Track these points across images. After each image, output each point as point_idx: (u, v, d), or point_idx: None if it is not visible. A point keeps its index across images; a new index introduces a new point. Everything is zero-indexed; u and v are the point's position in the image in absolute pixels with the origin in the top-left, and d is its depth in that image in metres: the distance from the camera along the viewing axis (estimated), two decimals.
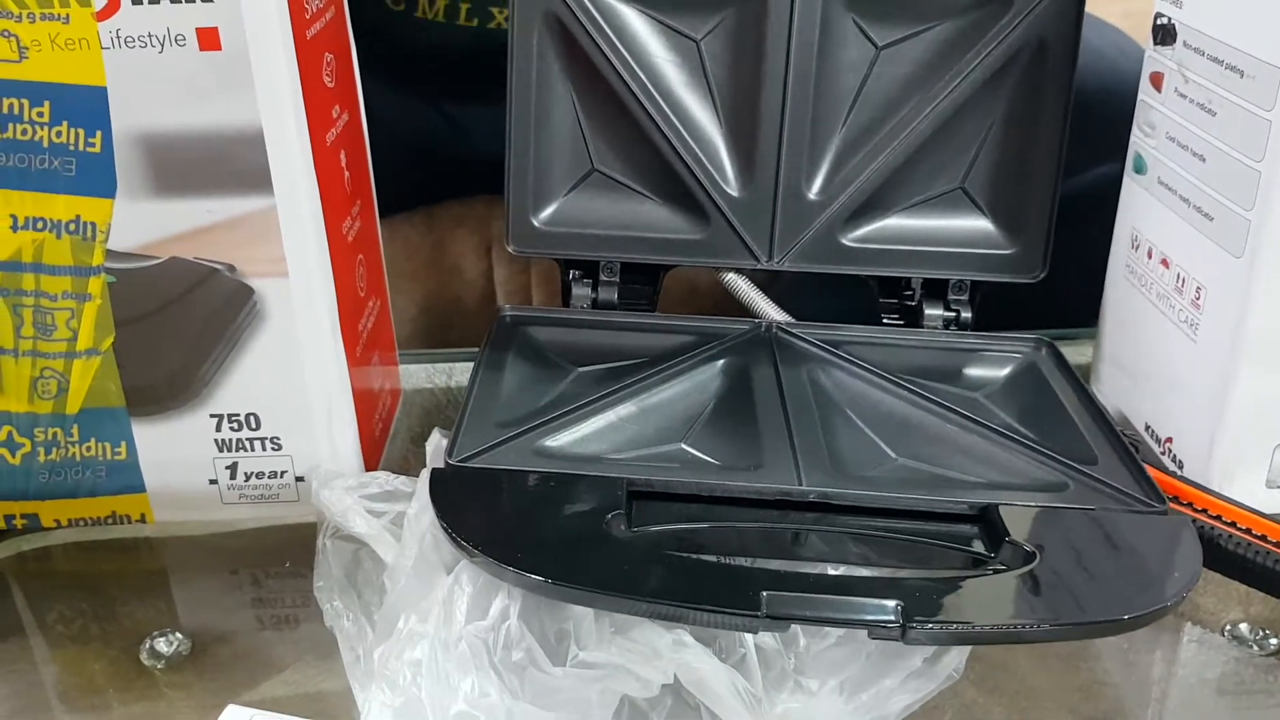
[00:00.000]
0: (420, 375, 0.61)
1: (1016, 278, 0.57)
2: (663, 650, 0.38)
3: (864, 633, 0.38)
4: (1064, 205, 0.57)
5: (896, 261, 0.57)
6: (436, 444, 0.46)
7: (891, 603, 0.37)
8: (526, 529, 0.41)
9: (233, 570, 0.49)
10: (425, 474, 0.43)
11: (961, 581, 0.40)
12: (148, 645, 0.44)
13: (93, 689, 0.42)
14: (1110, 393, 0.56)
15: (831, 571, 0.41)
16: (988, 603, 0.39)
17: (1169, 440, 0.52)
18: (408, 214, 0.76)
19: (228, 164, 0.43)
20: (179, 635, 0.44)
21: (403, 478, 0.46)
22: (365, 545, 0.43)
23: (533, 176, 0.56)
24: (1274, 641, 0.44)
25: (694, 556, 0.41)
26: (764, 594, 0.37)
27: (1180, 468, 0.51)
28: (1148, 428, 0.54)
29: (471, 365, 0.51)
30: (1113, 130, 0.60)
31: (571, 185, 0.57)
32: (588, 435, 0.47)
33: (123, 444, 0.48)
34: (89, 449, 0.48)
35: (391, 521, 0.43)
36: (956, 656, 0.39)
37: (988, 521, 0.43)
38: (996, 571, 0.41)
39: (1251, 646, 0.44)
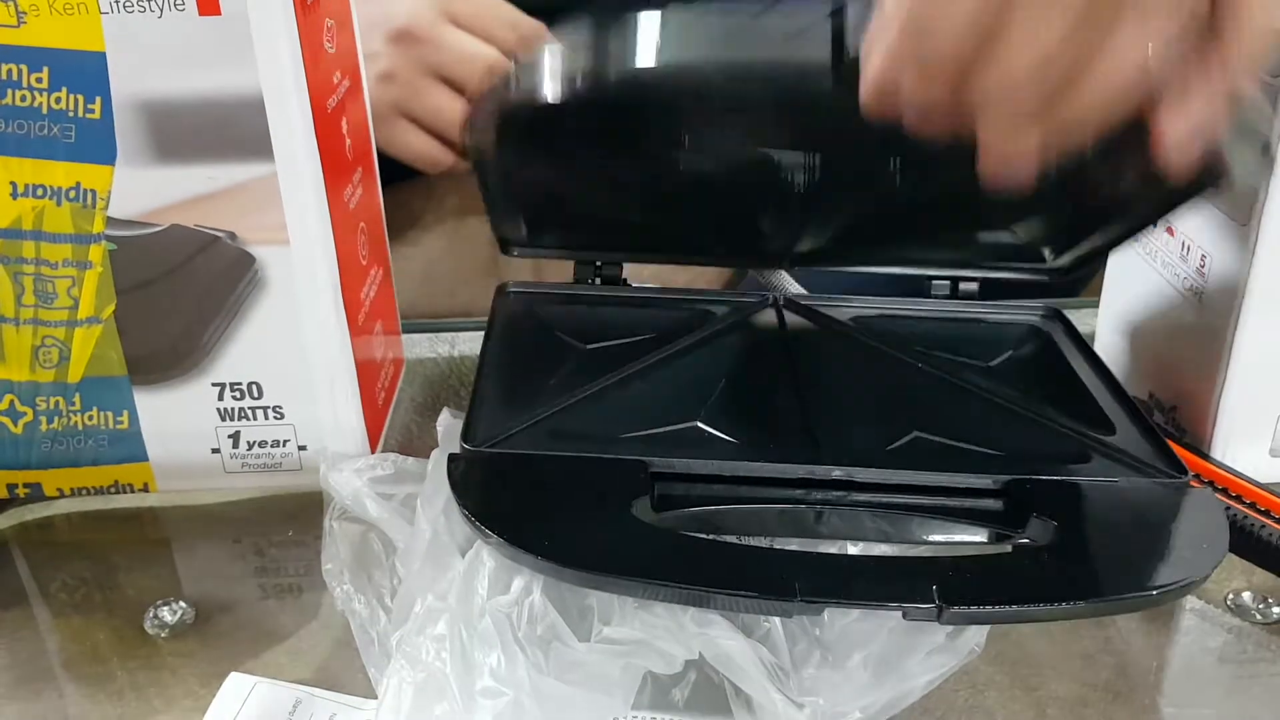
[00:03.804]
0: (423, 344, 0.61)
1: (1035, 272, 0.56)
2: (687, 625, 0.37)
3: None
4: None
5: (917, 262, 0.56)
6: (447, 424, 0.45)
7: (926, 584, 0.37)
8: (551, 514, 0.40)
9: (236, 539, 0.49)
10: (436, 455, 0.43)
11: (993, 559, 0.40)
12: (151, 614, 0.44)
13: (97, 658, 0.42)
14: (1114, 361, 0.56)
15: (860, 551, 0.41)
16: (1020, 580, 0.39)
17: (1173, 409, 0.52)
18: (409, 181, 0.76)
19: (228, 130, 0.43)
20: (183, 604, 0.44)
21: (411, 459, 0.45)
22: (373, 526, 0.43)
23: None
24: (1276, 610, 0.44)
25: (723, 539, 0.40)
26: (798, 578, 0.36)
27: (1184, 436, 0.51)
28: (1151, 396, 0.54)
29: (473, 334, 0.51)
30: None
31: None
32: (602, 416, 0.47)
33: (125, 413, 0.48)
34: (91, 418, 0.48)
35: (401, 503, 0.43)
36: (978, 632, 0.39)
37: (1011, 495, 0.43)
38: (1024, 547, 0.41)
39: (1254, 615, 0.44)
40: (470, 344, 0.60)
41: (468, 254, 0.75)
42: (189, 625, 0.44)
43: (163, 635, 0.43)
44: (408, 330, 0.60)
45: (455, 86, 0.65)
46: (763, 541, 0.42)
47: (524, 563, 0.38)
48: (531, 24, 0.66)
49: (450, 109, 0.65)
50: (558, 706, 0.36)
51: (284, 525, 0.49)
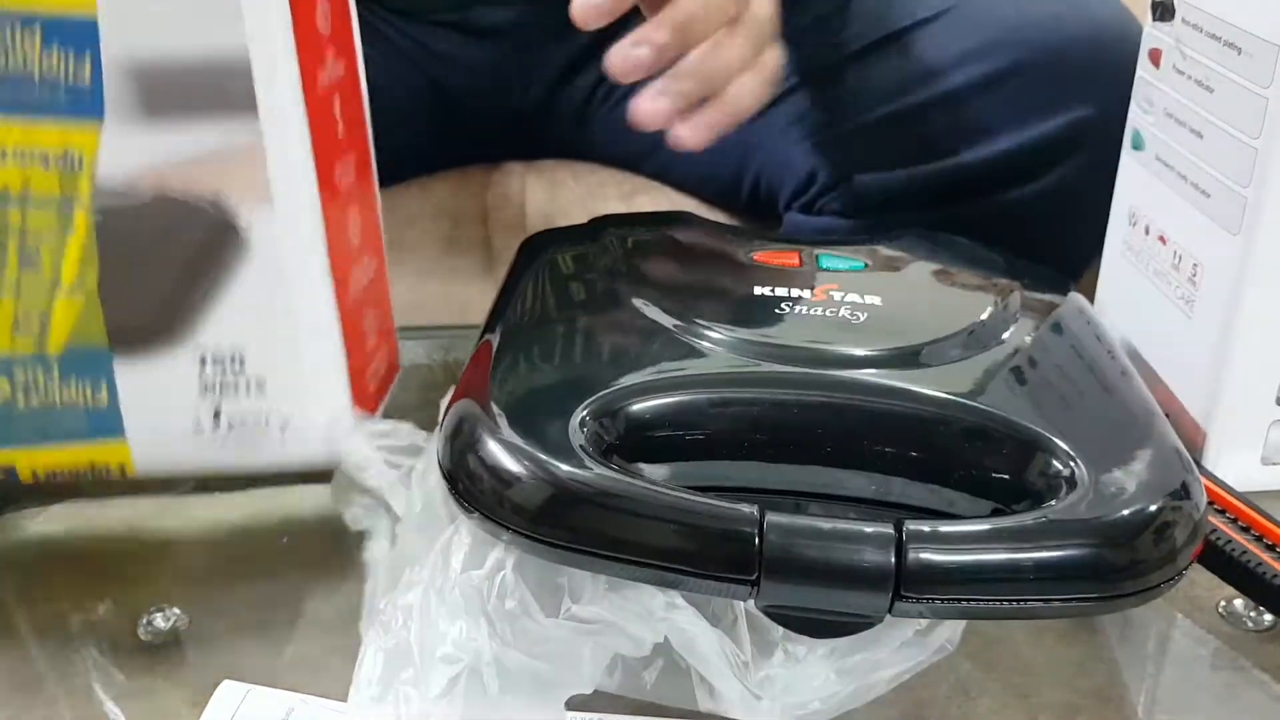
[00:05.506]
0: (418, 350, 0.60)
1: None
2: (655, 610, 0.37)
3: None
4: (1037, 150, 0.56)
5: None
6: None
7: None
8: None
9: (229, 545, 0.48)
10: (438, 432, 0.42)
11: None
12: (145, 620, 0.43)
13: (90, 664, 0.42)
14: None
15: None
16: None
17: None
18: (403, 184, 0.76)
19: (216, 95, 0.43)
20: (176, 610, 0.44)
21: (424, 433, 0.45)
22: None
23: None
24: (1268, 618, 0.44)
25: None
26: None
27: None
28: None
29: (469, 340, 0.49)
30: (1086, 76, 0.60)
31: None
32: None
33: (104, 386, 0.46)
34: (69, 391, 0.46)
35: (408, 474, 0.43)
36: (949, 629, 0.39)
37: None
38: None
39: (1245, 623, 0.44)
40: (466, 351, 0.60)
41: (462, 259, 0.75)
42: (182, 631, 0.43)
43: (156, 642, 0.43)
44: (403, 337, 0.59)
45: None
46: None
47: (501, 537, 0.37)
48: None
49: None
50: (520, 679, 0.36)
51: (278, 532, 0.48)
